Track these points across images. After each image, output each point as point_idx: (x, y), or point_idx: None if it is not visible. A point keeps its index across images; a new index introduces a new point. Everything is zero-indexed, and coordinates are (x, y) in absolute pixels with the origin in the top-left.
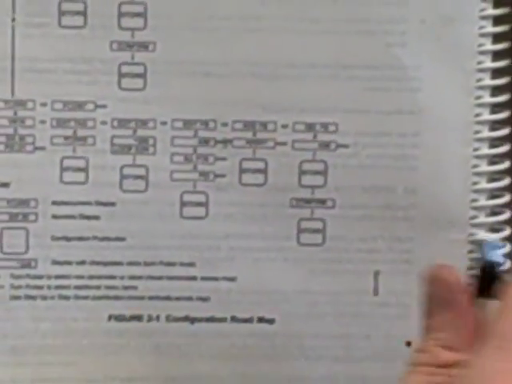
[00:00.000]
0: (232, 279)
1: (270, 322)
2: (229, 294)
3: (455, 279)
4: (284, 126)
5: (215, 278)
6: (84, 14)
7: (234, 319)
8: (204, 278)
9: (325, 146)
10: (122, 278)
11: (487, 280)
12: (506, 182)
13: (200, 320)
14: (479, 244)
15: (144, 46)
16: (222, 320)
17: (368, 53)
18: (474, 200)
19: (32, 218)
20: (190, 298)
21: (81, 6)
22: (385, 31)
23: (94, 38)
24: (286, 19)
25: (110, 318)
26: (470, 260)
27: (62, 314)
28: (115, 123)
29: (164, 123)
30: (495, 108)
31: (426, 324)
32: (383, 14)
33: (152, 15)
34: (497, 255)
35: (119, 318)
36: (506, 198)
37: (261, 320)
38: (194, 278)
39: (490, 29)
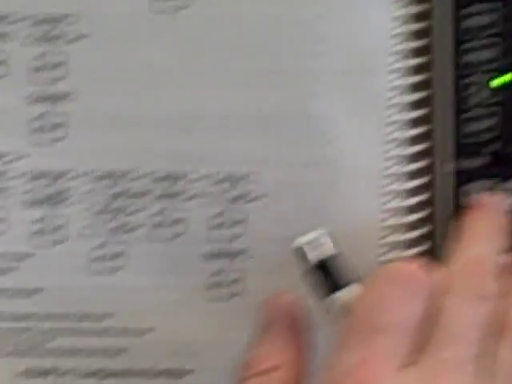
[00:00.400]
0: (148, 331)
1: (188, 372)
2: (145, 345)
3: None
4: (201, 178)
5: (131, 330)
6: (3, 63)
7: (150, 371)
8: (120, 330)
9: (242, 197)
10: (36, 331)
11: (324, 278)
12: (421, 231)
13: (114, 374)
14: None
15: (62, 97)
16: (138, 373)
17: (283, 104)
18: (386, 253)
19: None
20: (104, 351)
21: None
22: (299, 83)
23: (13, 88)
24: (202, 72)
25: (17, 375)
26: None
27: None
28: (30, 175)
29: (79, 175)
30: (409, 158)
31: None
32: (296, 65)
33: (72, 66)
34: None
35: (29, 373)
36: (420, 248)
37: (178, 371)
38: (109, 330)
39: (402, 81)
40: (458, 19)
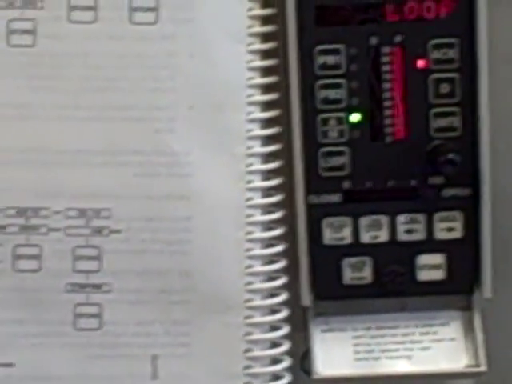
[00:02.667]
0: (9, 365)
1: None
2: (7, 380)
3: None
4: (57, 212)
5: None
6: None
7: None
8: None
9: (98, 231)
10: None
11: None
12: (281, 264)
13: None
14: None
15: None
16: None
17: (137, 139)
18: (249, 283)
19: None
20: None
21: None
22: (153, 117)
23: None
24: (56, 106)
25: None
26: (246, 342)
27: None
28: None
29: None
30: (267, 191)
31: None
32: (151, 100)
33: None
34: None
35: None
36: (281, 280)
37: None
38: None
39: (259, 114)
40: (308, 56)
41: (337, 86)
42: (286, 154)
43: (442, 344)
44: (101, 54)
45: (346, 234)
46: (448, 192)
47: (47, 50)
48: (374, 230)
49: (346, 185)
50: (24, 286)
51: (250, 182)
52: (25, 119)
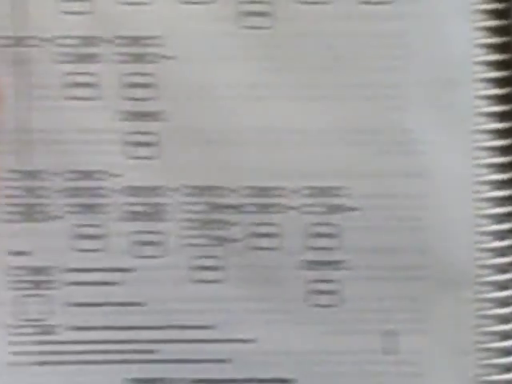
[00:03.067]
0: (251, 341)
1: (291, 382)
2: (248, 355)
3: None
4: (293, 191)
5: (234, 341)
6: (93, 85)
7: (254, 381)
8: (223, 341)
9: (334, 209)
10: (140, 342)
11: None
12: (511, 241)
13: (220, 382)
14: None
15: (153, 115)
16: (243, 381)
17: (370, 117)
18: (480, 259)
19: (52, 285)
20: (209, 361)
21: (90, 78)
22: (385, 96)
23: (104, 108)
24: (289, 86)
25: (126, 381)
26: (477, 318)
27: (82, 379)
28: (127, 191)
29: (175, 190)
30: (496, 168)
31: None
32: (383, 79)
33: (161, 85)
34: None
35: (137, 382)
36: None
37: (281, 381)
38: (212, 341)
39: (488, 91)
40: None
41: None
42: None
43: None
44: (335, 34)
45: None
46: None
47: (281, 32)
48: None
49: None
50: (261, 264)
51: (478, 158)
52: (258, 99)
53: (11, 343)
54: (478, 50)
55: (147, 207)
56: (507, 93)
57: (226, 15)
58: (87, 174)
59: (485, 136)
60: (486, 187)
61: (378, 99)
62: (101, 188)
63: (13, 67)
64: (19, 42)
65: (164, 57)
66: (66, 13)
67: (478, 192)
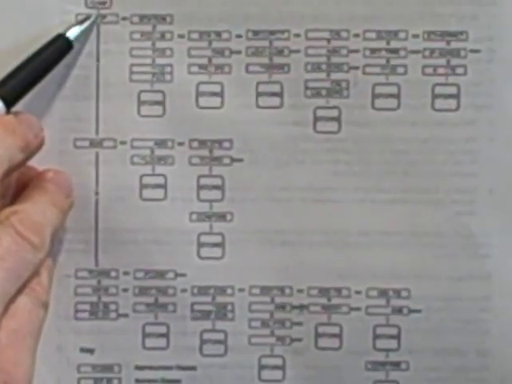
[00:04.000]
0: None
1: None
2: None
3: None
4: (358, 292)
5: None
6: (164, 186)
7: None
8: None
9: (398, 310)
10: None
11: None
12: None
13: None
14: None
15: (222, 217)
16: None
17: (438, 221)
18: None
19: (116, 382)
20: None
21: (161, 179)
22: (454, 200)
23: (174, 209)
24: (358, 189)
25: None
26: None
27: None
28: (195, 290)
29: (242, 290)
30: None
31: None
32: (452, 184)
33: (229, 187)
34: None
35: None
36: None
37: None
38: None
39: None
40: None
41: None
42: None
43: None
44: (403, 139)
45: None
46: None
47: (351, 136)
48: None
49: None
50: (324, 364)
51: None
52: (328, 202)
53: None
54: None
55: (213, 306)
56: None
57: (297, 120)
58: (156, 273)
59: None
60: None
61: (446, 204)
62: (169, 287)
63: (92, 168)
64: (99, 143)
65: (234, 159)
66: (143, 116)
67: None
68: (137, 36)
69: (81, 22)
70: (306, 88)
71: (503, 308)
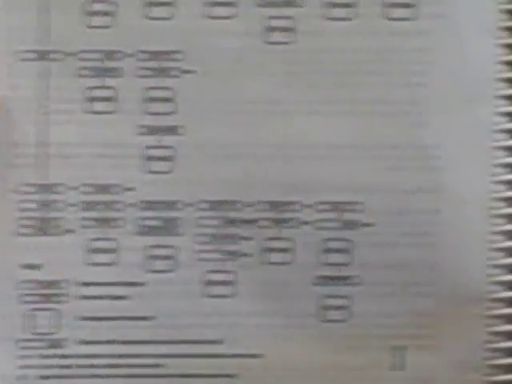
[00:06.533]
0: (259, 356)
1: None
2: (256, 370)
3: None
4: (308, 206)
5: (242, 356)
6: (112, 99)
7: None
8: (231, 356)
9: (349, 224)
10: (149, 356)
11: None
12: None
13: None
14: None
15: (172, 130)
16: None
17: (389, 133)
18: (492, 275)
19: (62, 299)
20: (216, 376)
21: (109, 92)
22: (406, 112)
23: (122, 123)
24: (310, 101)
25: None
26: (487, 334)
27: None
28: (143, 205)
29: (190, 205)
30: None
31: None
32: (404, 95)
33: (180, 99)
34: None
35: None
36: None
37: None
38: (221, 356)
39: (507, 108)
40: None
41: None
42: None
43: None
44: (357, 50)
45: None
46: None
47: (304, 47)
48: None
49: None
50: (274, 279)
51: (498, 174)
52: (279, 114)
53: (19, 357)
54: (500, 67)
55: (161, 221)
56: None
57: (250, 30)
58: (103, 188)
59: (503, 153)
60: (502, 204)
61: (397, 115)
62: (116, 202)
63: (35, 80)
64: (43, 55)
65: (184, 71)
66: (89, 27)
67: (493, 208)
68: None
69: None
70: None
71: (453, 221)
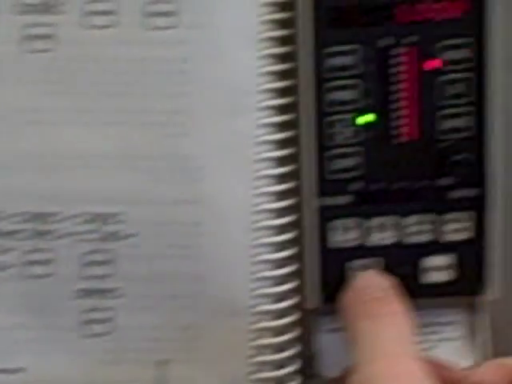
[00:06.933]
0: (21, 370)
1: None
2: None
3: None
4: (69, 217)
5: (3, 370)
6: None
7: None
8: None
9: (110, 236)
10: None
11: None
12: (290, 268)
13: None
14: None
15: None
16: None
17: (151, 144)
18: (258, 288)
19: None
20: None
21: None
22: (167, 122)
23: None
24: (71, 111)
25: None
26: (254, 347)
27: None
28: None
29: None
30: (278, 196)
31: None
32: (165, 105)
33: None
34: None
35: None
36: (290, 285)
37: None
38: None
39: (271, 119)
40: (320, 59)
41: (349, 87)
42: (297, 157)
43: (447, 344)
44: (117, 59)
45: (354, 236)
46: (458, 193)
47: (65, 56)
48: (383, 232)
49: (356, 186)
50: (34, 292)
51: (260, 186)
52: (39, 124)
53: None
54: (262, 78)
55: None
56: (289, 119)
57: (7, 38)
58: None
59: (266, 164)
60: (265, 215)
61: (159, 125)
62: None
63: None
64: None
65: None
66: None
67: (256, 221)
68: None
69: None
70: (15, 4)
71: (216, 233)
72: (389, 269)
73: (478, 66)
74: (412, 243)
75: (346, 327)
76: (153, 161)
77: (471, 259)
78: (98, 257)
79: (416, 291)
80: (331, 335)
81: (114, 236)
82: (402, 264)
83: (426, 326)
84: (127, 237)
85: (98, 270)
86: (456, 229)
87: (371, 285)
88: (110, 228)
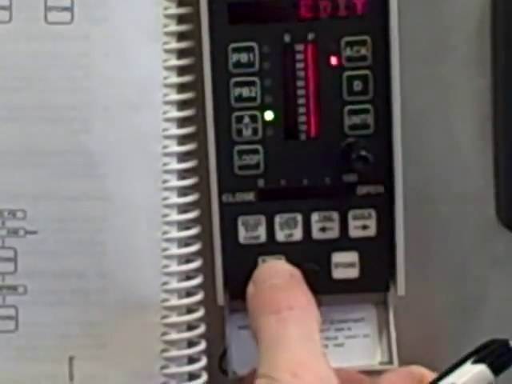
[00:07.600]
0: None
1: None
2: None
3: None
4: None
5: None
6: None
7: None
8: None
9: (13, 232)
10: None
11: None
12: (197, 263)
13: None
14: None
15: None
16: None
17: (53, 139)
18: (166, 283)
19: None
20: None
21: None
22: (69, 118)
23: None
24: None
25: None
26: (163, 342)
27: None
28: None
29: None
30: (183, 190)
31: None
32: (67, 100)
33: None
34: None
35: None
36: (198, 280)
37: None
38: None
39: (175, 113)
40: (226, 54)
41: (250, 83)
42: (202, 152)
43: (355, 340)
44: (15, 54)
45: (261, 233)
46: (361, 190)
47: None
48: (289, 229)
49: (260, 183)
50: None
51: (165, 181)
52: None
53: None
54: (166, 73)
55: None
56: (193, 114)
57: None
58: None
59: (173, 159)
60: (174, 210)
61: (61, 121)
62: None
63: None
64: None
65: None
66: None
67: (164, 215)
68: None
69: None
70: None
71: (119, 229)
72: (298, 265)
73: (376, 64)
74: (319, 239)
75: (249, 322)
76: (55, 157)
77: (377, 256)
78: (1, 253)
79: (324, 287)
80: (242, 332)
81: (17, 232)
82: (310, 260)
83: (334, 322)
84: (29, 233)
85: (1, 267)
86: (360, 225)
87: (273, 274)
88: (13, 224)
